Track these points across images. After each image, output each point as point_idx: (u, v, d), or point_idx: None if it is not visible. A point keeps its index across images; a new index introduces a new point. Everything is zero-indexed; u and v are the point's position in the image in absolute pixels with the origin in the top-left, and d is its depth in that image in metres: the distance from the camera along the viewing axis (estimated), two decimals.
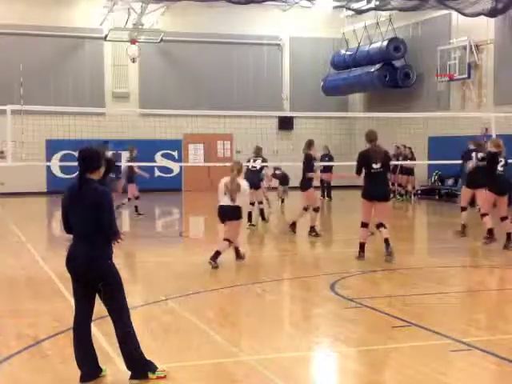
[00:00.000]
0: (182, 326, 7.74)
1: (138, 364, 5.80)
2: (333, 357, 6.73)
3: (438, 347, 6.77)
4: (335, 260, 12.26)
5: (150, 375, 5.80)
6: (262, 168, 17.52)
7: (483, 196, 13.52)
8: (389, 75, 26.62)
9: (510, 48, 22.52)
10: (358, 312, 8.27)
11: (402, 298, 8.93)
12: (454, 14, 23.50)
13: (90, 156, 5.81)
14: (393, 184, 24.39)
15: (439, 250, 13.31)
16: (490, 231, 13.22)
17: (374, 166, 11.83)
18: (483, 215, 13.29)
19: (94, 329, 6.34)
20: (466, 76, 23.98)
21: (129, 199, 18.68)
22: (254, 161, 17.38)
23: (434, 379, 5.88)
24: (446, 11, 24.08)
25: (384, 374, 6.29)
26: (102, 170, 5.88)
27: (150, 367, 5.83)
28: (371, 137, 11.96)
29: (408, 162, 23.38)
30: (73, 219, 5.78)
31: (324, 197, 24.62)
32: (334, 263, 11.87)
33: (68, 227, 5.86)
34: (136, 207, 18.70)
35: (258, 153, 17.65)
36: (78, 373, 5.80)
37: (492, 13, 21.41)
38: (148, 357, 5.85)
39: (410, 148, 24.06)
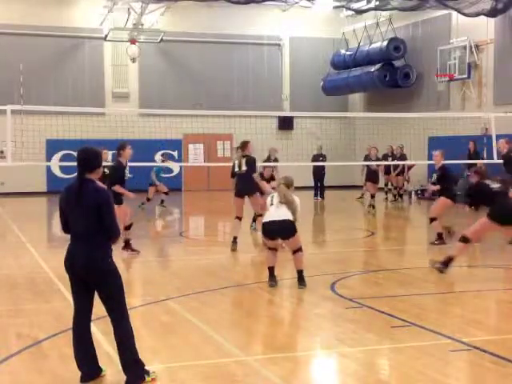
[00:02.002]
0: (182, 326, 7.74)
1: (134, 367, 5.73)
2: (333, 357, 6.73)
3: (438, 347, 6.77)
4: (335, 260, 12.26)
5: (147, 378, 5.77)
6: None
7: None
8: (389, 75, 26.61)
9: (510, 48, 22.53)
10: (358, 312, 8.27)
11: (402, 298, 8.93)
12: (454, 13, 23.53)
13: (89, 155, 5.79)
14: (386, 184, 24.36)
15: (439, 250, 13.28)
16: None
17: None
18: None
19: (94, 329, 6.34)
20: (465, 76, 23.99)
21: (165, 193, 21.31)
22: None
23: (434, 379, 5.88)
24: (445, 11, 24.10)
25: (384, 374, 6.29)
26: (101, 169, 5.87)
27: (145, 371, 5.78)
28: None
29: (401, 162, 23.29)
30: (72, 219, 5.75)
31: (317, 196, 24.60)
32: (334, 263, 11.88)
33: (66, 227, 5.84)
34: (162, 201, 21.43)
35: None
36: (78, 373, 5.80)
37: (492, 13, 21.44)
38: (148, 357, 5.83)
39: (400, 147, 23.91)
